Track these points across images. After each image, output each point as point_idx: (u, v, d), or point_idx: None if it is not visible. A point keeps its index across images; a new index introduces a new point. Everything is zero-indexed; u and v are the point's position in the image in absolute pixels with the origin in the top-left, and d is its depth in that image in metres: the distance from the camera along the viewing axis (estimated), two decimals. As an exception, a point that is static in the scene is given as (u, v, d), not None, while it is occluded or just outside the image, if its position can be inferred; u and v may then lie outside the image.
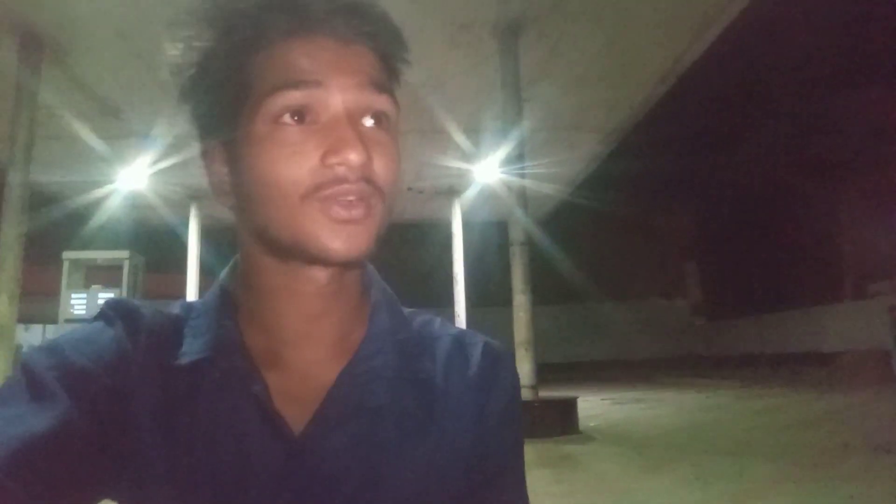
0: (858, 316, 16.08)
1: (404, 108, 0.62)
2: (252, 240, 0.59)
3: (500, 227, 10.78)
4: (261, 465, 0.54)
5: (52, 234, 10.59)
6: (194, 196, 11.96)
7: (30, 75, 7.27)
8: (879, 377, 13.79)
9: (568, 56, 7.91)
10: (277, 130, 0.54)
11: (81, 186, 11.08)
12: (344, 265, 0.57)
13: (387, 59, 0.60)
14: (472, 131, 9.19)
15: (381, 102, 0.57)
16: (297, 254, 0.56)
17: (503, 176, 7.99)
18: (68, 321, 9.41)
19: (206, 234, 12.54)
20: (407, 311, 0.69)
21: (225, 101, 0.57)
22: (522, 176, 7.48)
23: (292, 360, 0.60)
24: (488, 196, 11.46)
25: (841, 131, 19.49)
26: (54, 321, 9.81)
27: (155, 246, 12.96)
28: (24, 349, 10.44)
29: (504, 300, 8.07)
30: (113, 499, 0.55)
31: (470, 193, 12.09)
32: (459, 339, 0.66)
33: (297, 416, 0.56)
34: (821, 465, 5.31)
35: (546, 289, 15.19)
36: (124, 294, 9.56)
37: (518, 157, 7.49)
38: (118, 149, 9.68)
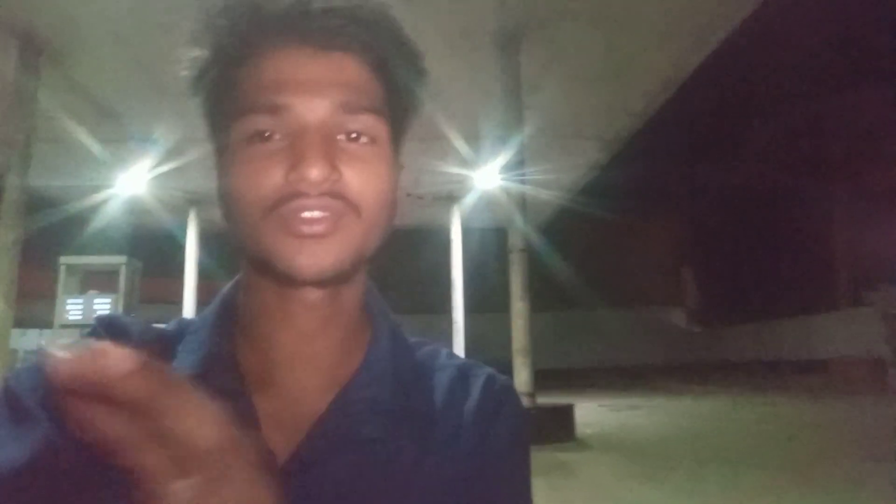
0: (852, 324, 16.12)
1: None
2: (243, 255, 0.58)
3: (499, 234, 10.80)
4: None
5: (48, 239, 10.55)
6: (193, 201, 11.95)
7: (28, 78, 7.26)
8: (873, 385, 13.83)
9: (569, 63, 7.92)
10: (247, 148, 0.53)
11: (79, 191, 11.06)
12: (312, 284, 0.54)
13: (379, 63, 0.56)
14: (472, 137, 9.19)
15: (356, 123, 0.54)
16: (268, 272, 0.54)
17: (503, 182, 7.98)
18: (64, 326, 9.35)
19: (205, 239, 12.51)
20: (413, 339, 0.65)
21: (216, 116, 0.57)
22: (522, 182, 7.48)
23: (284, 383, 0.57)
24: (488, 202, 11.47)
25: (837, 137, 19.59)
26: (50, 326, 9.74)
27: (153, 251, 12.91)
28: (20, 353, 10.42)
29: (502, 306, 8.06)
30: None
31: (469, 200, 12.10)
32: (463, 371, 0.63)
33: (284, 444, 0.53)
34: (815, 474, 5.31)
35: (544, 295, 15.19)
36: (120, 299, 9.50)
37: (518, 164, 7.49)
38: (117, 153, 9.67)
